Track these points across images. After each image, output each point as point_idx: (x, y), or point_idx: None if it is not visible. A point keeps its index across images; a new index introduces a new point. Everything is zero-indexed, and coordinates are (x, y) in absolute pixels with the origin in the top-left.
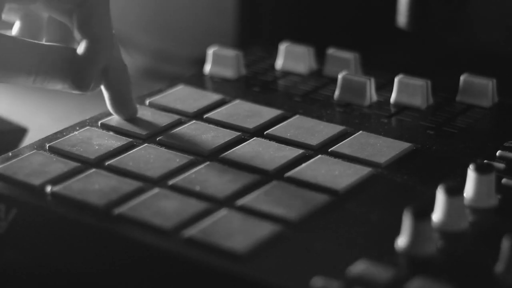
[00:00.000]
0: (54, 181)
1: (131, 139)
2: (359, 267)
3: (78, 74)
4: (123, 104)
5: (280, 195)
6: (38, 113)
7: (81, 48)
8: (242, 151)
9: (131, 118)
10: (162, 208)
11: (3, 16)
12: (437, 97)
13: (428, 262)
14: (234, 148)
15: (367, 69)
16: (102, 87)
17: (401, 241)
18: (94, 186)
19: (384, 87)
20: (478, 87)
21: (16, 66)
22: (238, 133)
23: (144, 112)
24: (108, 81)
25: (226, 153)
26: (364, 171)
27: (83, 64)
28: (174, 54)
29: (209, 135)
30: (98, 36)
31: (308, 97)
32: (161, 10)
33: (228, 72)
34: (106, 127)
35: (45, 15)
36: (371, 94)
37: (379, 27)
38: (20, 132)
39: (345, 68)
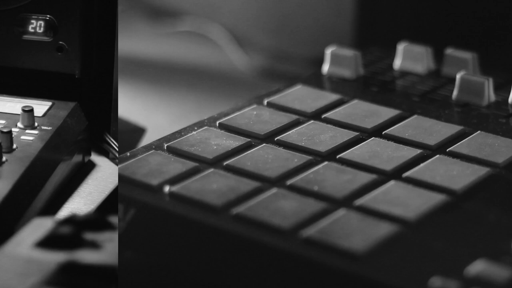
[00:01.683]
0: (172, 181)
1: (249, 139)
2: (477, 267)
3: None
4: None
5: (398, 195)
6: (157, 113)
7: None
8: (360, 151)
9: None
10: (280, 208)
11: None
12: None
13: None
14: (352, 148)
15: (486, 69)
16: None
17: None
18: (212, 186)
19: (503, 87)
20: None
21: None
22: (356, 133)
23: (262, 112)
24: None
25: (344, 153)
26: (482, 171)
27: None
28: (292, 54)
29: (327, 135)
30: None
31: (426, 97)
32: (279, 10)
33: (346, 72)
34: (224, 127)
35: None
36: (489, 94)
37: (498, 27)
38: (138, 132)
39: (463, 68)
